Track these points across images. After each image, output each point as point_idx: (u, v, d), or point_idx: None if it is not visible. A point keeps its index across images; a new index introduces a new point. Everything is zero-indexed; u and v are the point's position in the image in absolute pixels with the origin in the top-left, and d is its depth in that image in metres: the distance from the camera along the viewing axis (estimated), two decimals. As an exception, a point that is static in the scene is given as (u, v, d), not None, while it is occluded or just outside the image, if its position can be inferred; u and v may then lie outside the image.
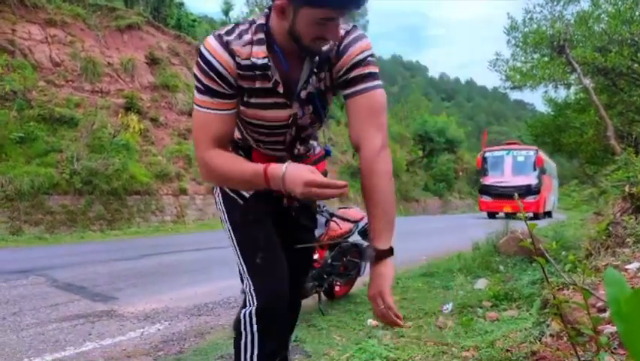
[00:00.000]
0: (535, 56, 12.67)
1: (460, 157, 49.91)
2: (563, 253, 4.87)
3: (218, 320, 3.97)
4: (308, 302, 4.24)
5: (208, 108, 1.39)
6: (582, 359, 1.53)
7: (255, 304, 1.49)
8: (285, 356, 1.81)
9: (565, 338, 1.93)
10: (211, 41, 1.36)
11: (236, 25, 1.42)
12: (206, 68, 1.36)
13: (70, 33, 16.15)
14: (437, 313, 3.86)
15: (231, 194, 1.63)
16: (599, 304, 1.98)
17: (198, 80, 1.38)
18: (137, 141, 15.16)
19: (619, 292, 0.32)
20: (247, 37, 1.37)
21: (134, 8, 19.88)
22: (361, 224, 4.48)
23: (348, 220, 4.34)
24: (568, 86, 13.21)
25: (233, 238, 1.61)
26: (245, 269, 1.55)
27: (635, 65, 10.30)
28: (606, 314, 1.83)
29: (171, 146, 16.57)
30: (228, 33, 1.38)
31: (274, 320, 1.50)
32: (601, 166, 12.50)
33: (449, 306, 4.00)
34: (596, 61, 10.52)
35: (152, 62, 18.65)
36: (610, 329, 1.71)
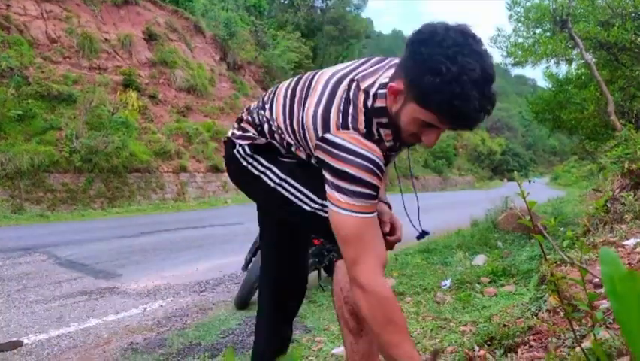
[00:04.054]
0: (537, 31, 12.48)
1: (460, 134, 49.78)
2: (562, 229, 4.91)
3: (219, 296, 4.02)
4: (308, 279, 4.29)
5: (365, 213, 1.22)
6: (578, 333, 1.55)
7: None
8: (288, 336, 1.84)
9: (561, 314, 1.96)
10: (358, 137, 1.22)
11: (353, 116, 1.24)
12: (373, 167, 1.20)
13: (65, 8, 15.93)
14: (436, 289, 3.91)
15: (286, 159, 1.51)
16: (596, 280, 2.01)
17: (365, 184, 1.19)
18: (136, 119, 15.09)
19: (614, 271, 0.33)
20: (373, 127, 1.27)
21: (130, -17, 19.53)
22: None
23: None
24: (569, 61, 13.04)
25: (294, 183, 1.49)
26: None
27: (639, 40, 10.17)
28: (602, 290, 1.85)
29: (170, 123, 16.50)
30: (355, 123, 1.23)
31: None
32: (601, 142, 12.45)
33: (447, 282, 4.04)
34: (598, 35, 10.37)
35: (150, 37, 18.42)
36: (605, 304, 1.74)
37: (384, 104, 1.25)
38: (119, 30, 17.47)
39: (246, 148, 1.53)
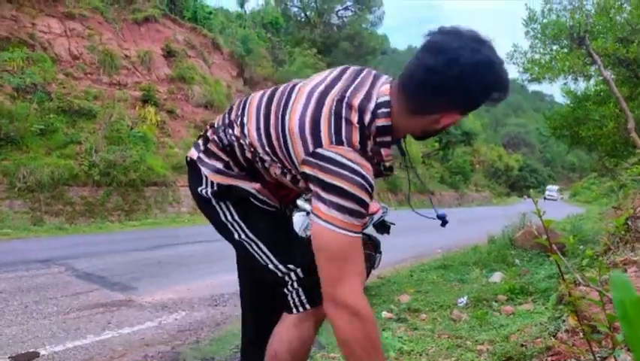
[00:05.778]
0: (555, 47, 12.43)
1: (476, 149, 49.42)
2: (581, 247, 4.81)
3: (234, 310, 4.02)
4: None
5: (353, 232, 1.18)
6: (598, 356, 1.52)
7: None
8: None
9: (581, 334, 1.93)
10: (353, 153, 1.18)
11: (347, 132, 1.20)
12: (365, 184, 1.17)
13: (88, 26, 16.35)
14: (452, 307, 3.86)
15: (260, 205, 1.47)
16: (616, 300, 1.96)
17: (357, 201, 1.16)
18: (154, 133, 15.33)
19: (625, 296, 0.32)
20: (368, 146, 1.23)
21: (151, 1, 19.98)
22: (376, 217, 4.48)
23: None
24: (588, 77, 12.92)
25: (262, 247, 1.47)
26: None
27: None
28: (623, 311, 1.81)
29: (187, 138, 16.70)
30: (350, 140, 1.19)
31: None
32: (621, 159, 12.26)
33: (464, 299, 3.99)
34: (617, 52, 10.29)
35: (169, 54, 18.78)
36: (626, 325, 1.70)
37: (389, 123, 1.24)
38: (139, 47, 17.84)
39: (215, 188, 1.45)
